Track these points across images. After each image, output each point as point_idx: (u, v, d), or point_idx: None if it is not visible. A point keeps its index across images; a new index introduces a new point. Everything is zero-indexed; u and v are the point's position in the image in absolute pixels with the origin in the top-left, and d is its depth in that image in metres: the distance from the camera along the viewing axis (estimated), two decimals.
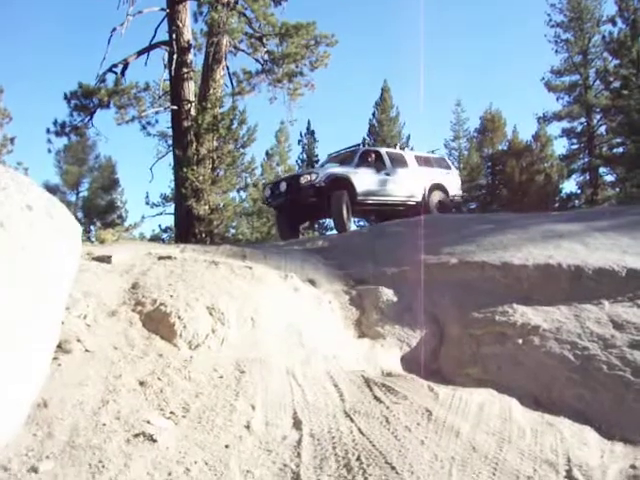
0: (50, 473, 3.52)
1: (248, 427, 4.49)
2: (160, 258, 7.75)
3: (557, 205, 31.95)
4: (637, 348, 5.96)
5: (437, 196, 15.81)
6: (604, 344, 6.16)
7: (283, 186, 13.95)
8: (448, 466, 3.95)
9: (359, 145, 16.27)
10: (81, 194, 29.41)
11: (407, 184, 15.23)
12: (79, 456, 3.73)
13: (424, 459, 4.04)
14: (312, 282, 8.44)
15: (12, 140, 24.05)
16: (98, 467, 3.65)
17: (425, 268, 8.74)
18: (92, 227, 26.89)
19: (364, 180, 14.24)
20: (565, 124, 33.71)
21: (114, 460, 3.74)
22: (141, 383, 4.87)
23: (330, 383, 5.50)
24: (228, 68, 18.64)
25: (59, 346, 4.85)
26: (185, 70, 17.34)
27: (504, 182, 34.28)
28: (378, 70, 69.89)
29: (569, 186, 40.17)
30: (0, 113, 24.29)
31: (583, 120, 33.64)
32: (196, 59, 18.35)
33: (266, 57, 18.72)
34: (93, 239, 17.47)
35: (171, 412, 4.53)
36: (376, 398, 5.16)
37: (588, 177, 33.28)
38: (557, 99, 33.60)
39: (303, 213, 15.18)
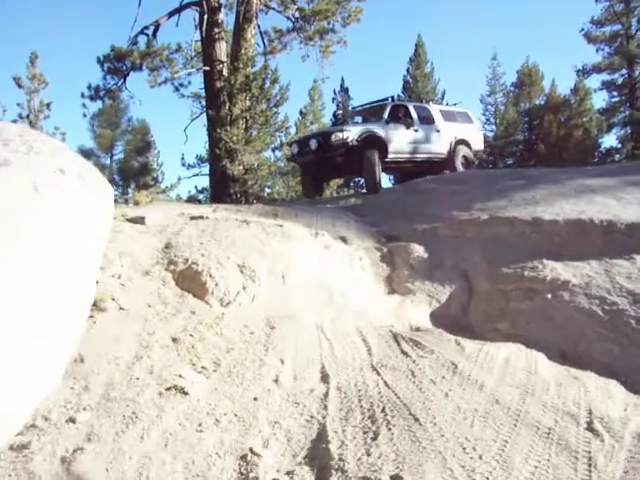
0: (87, 423, 3.70)
1: (277, 381, 4.63)
2: (192, 218, 7.88)
3: (596, 160, 31.31)
4: None
5: (462, 151, 15.50)
6: (633, 299, 6.15)
7: (314, 143, 13.25)
8: (471, 418, 4.04)
9: (387, 99, 15.31)
10: (115, 157, 29.74)
11: (434, 140, 14.89)
12: (114, 408, 3.91)
13: (447, 411, 4.13)
14: (343, 239, 8.52)
15: (48, 105, 24.25)
16: (132, 418, 3.83)
17: (456, 224, 8.80)
18: (129, 189, 27.18)
19: (395, 138, 13.79)
20: (605, 76, 32.76)
21: (147, 412, 3.91)
22: (174, 339, 5.02)
23: (359, 338, 5.61)
24: (259, 27, 18.48)
25: (94, 304, 5.00)
26: (216, 30, 17.23)
27: (542, 137, 33.56)
28: (412, 25, 68.46)
29: (609, 140, 39.39)
30: (36, 79, 24.45)
31: (624, 72, 32.63)
32: (227, 19, 18.20)
33: (297, 15, 18.50)
34: (130, 201, 17.69)
35: (202, 367, 4.69)
36: (403, 352, 5.26)
37: (629, 131, 32.44)
38: (597, 50, 32.60)
39: (331, 171, 14.82)
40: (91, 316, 4.86)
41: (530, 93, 35.72)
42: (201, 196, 25.60)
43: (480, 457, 3.55)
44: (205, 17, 16.95)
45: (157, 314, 5.42)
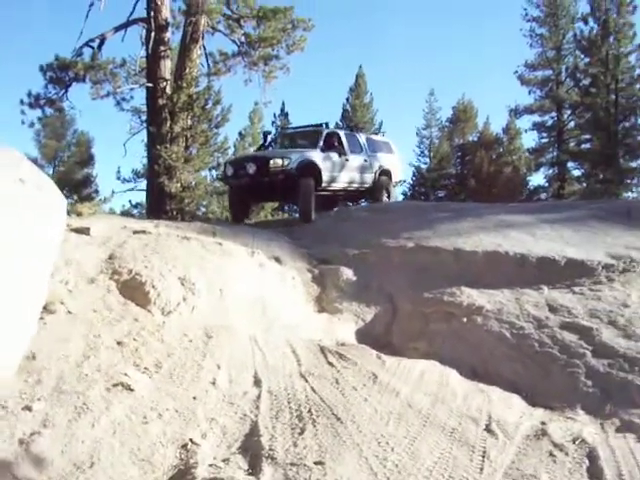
0: (42, 412, 4.09)
1: (214, 383, 5.08)
2: (135, 232, 8.24)
3: (523, 197, 32.61)
4: (566, 329, 6.65)
5: (384, 182, 15.78)
6: (538, 324, 6.84)
7: (252, 167, 13.05)
8: (386, 418, 4.59)
9: (321, 125, 15.19)
10: (58, 168, 29.68)
11: (363, 170, 15.02)
12: (66, 399, 4.30)
13: (366, 413, 4.67)
14: (277, 259, 9.00)
15: None
16: (83, 409, 4.23)
17: (384, 251, 9.41)
18: (67, 200, 27.10)
19: (329, 166, 13.81)
20: (536, 118, 34.09)
21: (97, 404, 4.32)
22: (118, 342, 5.42)
23: (289, 349, 6.10)
24: (205, 48, 18.74)
25: (45, 307, 5.36)
26: (162, 48, 17.37)
27: (473, 172, 34.73)
28: (354, 56, 70.03)
29: (537, 179, 41.23)
30: None
31: (554, 114, 34.10)
32: (174, 37, 18.47)
33: (243, 39, 18.89)
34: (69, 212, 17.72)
35: (145, 368, 5.10)
36: (329, 363, 5.78)
37: (556, 171, 33.92)
38: (529, 92, 33.89)
39: (264, 196, 15.01)
40: (42, 318, 5.21)
41: (464, 129, 37.06)
42: (135, 211, 25.54)
43: (392, 449, 4.10)
44: (152, 34, 17.14)
45: (103, 319, 5.79)
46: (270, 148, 15.98)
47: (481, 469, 3.94)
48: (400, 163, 17.51)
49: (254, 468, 3.89)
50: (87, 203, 17.00)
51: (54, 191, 5.85)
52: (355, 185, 14.89)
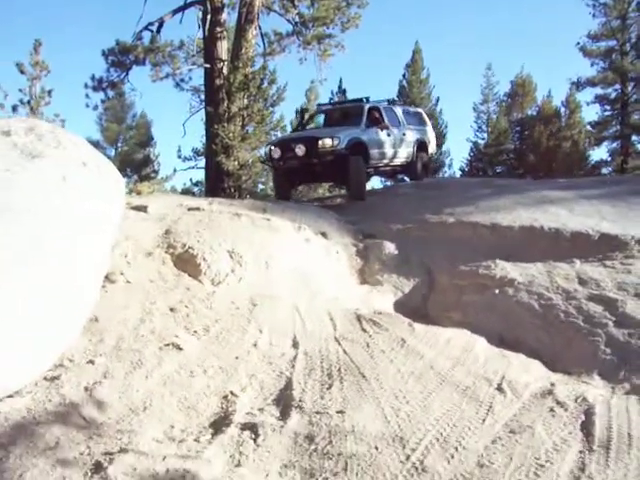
0: (103, 365, 4.73)
1: (255, 345, 5.65)
2: (190, 209, 8.87)
3: (582, 172, 32.11)
4: (592, 300, 6.96)
5: (421, 156, 15.64)
6: (566, 296, 7.17)
7: (300, 149, 12.67)
8: (407, 377, 5.08)
9: (362, 100, 14.89)
10: (119, 149, 31.13)
11: (403, 144, 14.73)
12: (123, 356, 4.94)
13: (389, 372, 5.17)
14: (324, 234, 9.50)
15: (50, 92, 24.73)
16: (138, 363, 4.85)
17: (425, 226, 9.82)
18: (128, 180, 28.23)
19: (374, 143, 13.53)
20: (599, 90, 33.27)
21: (150, 360, 4.94)
22: (171, 309, 6.05)
23: (327, 317, 6.62)
24: (260, 28, 19.16)
25: (106, 277, 6.00)
26: (218, 29, 17.86)
27: (531, 147, 34.39)
28: (411, 31, 69.47)
29: (600, 153, 40.31)
30: (39, 66, 24.84)
31: (617, 87, 33.13)
32: (230, 18, 18.96)
33: (297, 19, 19.25)
34: (132, 192, 18.57)
35: (195, 331, 5.71)
36: (363, 329, 6.29)
37: (619, 145, 33.14)
38: (592, 64, 32.90)
39: (312, 176, 14.62)
40: (104, 286, 5.85)
41: (522, 103, 36.45)
42: (196, 189, 26.32)
43: (407, 402, 4.59)
44: (208, 16, 17.64)
45: (158, 288, 6.43)
46: (308, 126, 15.86)
47: (484, 420, 4.40)
48: (434, 135, 17.31)
49: (284, 416, 4.45)
50: (146, 182, 17.80)
51: (114, 173, 6.47)
52: (397, 160, 14.71)
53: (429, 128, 16.74)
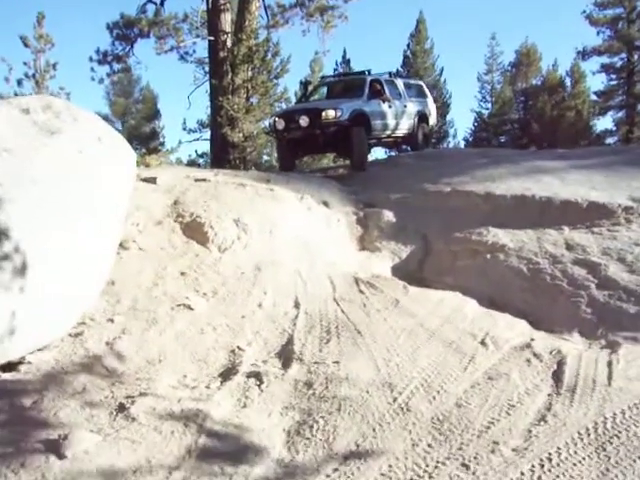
0: (121, 323, 5.22)
1: (260, 305, 6.12)
2: (197, 180, 9.29)
3: (586, 142, 32.16)
4: (577, 264, 7.40)
5: (422, 127, 15.94)
6: (553, 260, 7.60)
7: (304, 120, 12.86)
8: (399, 333, 5.55)
9: (363, 73, 15.10)
10: (127, 123, 31.74)
11: (404, 116, 14.93)
12: (139, 315, 5.43)
13: (383, 329, 5.64)
14: (326, 204, 9.91)
15: (54, 66, 24.75)
16: (153, 322, 5.35)
17: (423, 195, 10.22)
18: (136, 153, 28.69)
19: (376, 114, 13.76)
20: (605, 59, 32.97)
21: (164, 318, 5.43)
22: (182, 273, 6.52)
23: (327, 281, 7.08)
24: (264, 0, 19.37)
25: (120, 245, 6.46)
26: (222, 2, 17.88)
27: (536, 117, 34.45)
28: (414, 2, 68.93)
29: (605, 123, 40.23)
30: (43, 39, 24.86)
31: (623, 55, 32.86)
32: None
33: None
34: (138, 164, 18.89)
35: (204, 293, 6.18)
36: (360, 291, 6.76)
37: (625, 114, 33.05)
38: (598, 33, 32.59)
39: (315, 147, 14.66)
40: (118, 253, 6.31)
41: (527, 73, 36.38)
42: (201, 160, 26.56)
43: (397, 354, 5.07)
44: None
45: (168, 254, 6.90)
46: (311, 98, 15.94)
47: (465, 369, 4.86)
48: (434, 107, 17.47)
49: (285, 366, 4.93)
50: (154, 155, 18.07)
51: (125, 147, 6.91)
52: (398, 132, 14.98)
53: (430, 100, 16.96)
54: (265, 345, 5.38)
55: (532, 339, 5.64)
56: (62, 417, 3.88)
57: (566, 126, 32.62)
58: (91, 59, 18.91)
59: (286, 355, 5.14)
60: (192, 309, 5.73)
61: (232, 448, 3.73)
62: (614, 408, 4.18)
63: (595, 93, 33.95)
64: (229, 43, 17.82)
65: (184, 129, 21.87)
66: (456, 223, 9.03)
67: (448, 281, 7.88)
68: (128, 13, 18.29)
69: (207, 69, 19.30)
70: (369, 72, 14.99)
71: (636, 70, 32.27)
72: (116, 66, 20.19)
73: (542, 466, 3.53)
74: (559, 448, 3.71)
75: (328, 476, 3.50)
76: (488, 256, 8.09)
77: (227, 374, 4.78)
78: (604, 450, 3.67)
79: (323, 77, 18.28)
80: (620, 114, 33.15)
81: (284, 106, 19.75)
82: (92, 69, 18.99)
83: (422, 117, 15.86)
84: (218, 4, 17.82)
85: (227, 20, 18.16)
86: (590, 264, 7.34)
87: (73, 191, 5.46)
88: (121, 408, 4.06)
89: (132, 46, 18.86)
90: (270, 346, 5.37)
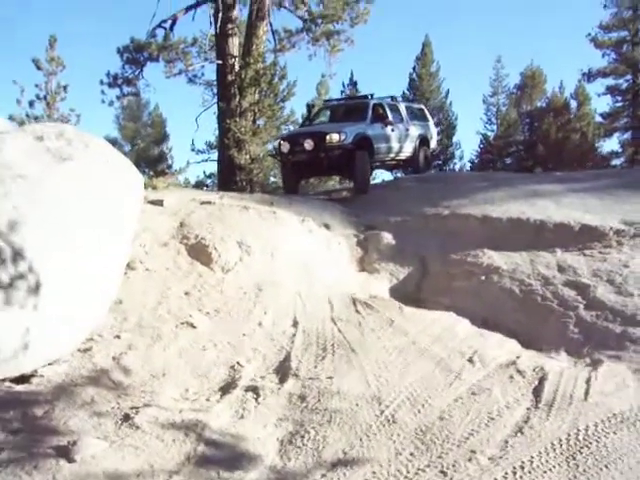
0: (128, 339, 5.53)
1: (260, 324, 6.42)
2: (202, 203, 9.62)
3: (591, 164, 32.33)
4: (568, 285, 7.67)
5: (423, 150, 16.17)
6: (545, 282, 7.88)
7: (309, 143, 13.06)
8: (391, 350, 5.84)
9: (367, 97, 15.40)
10: (136, 146, 32.45)
11: (407, 139, 15.20)
12: (145, 332, 5.74)
13: (376, 347, 5.93)
14: (327, 226, 10.22)
15: (65, 88, 25.22)
16: (157, 338, 5.66)
17: (422, 218, 10.53)
18: (144, 175, 29.25)
19: (379, 138, 13.97)
20: (610, 81, 33.27)
21: (168, 335, 5.74)
22: (186, 293, 6.83)
23: (326, 301, 7.38)
24: (271, 25, 19.47)
25: (128, 265, 6.77)
26: (230, 26, 18.25)
27: (541, 139, 34.71)
28: (421, 25, 69.82)
29: (611, 144, 40.46)
30: (54, 61, 25.24)
31: (629, 77, 33.10)
32: (241, 14, 19.40)
33: (306, 16, 19.69)
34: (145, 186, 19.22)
35: (206, 312, 6.49)
36: (357, 311, 7.05)
37: (631, 136, 33.21)
38: (603, 55, 32.87)
39: (319, 170, 15.00)
40: (126, 273, 6.62)
41: (532, 95, 36.72)
42: (209, 181, 26.92)
43: (388, 371, 5.37)
44: (220, 13, 18.13)
45: (173, 275, 7.21)
46: (315, 121, 16.02)
47: (450, 384, 5.15)
48: (435, 130, 17.72)
49: (281, 381, 5.23)
50: (161, 178, 18.46)
51: (133, 171, 7.24)
52: (401, 155, 15.26)
53: (431, 123, 17.29)
54: (264, 361, 5.68)
55: (518, 357, 5.92)
56: (71, 425, 4.18)
57: (571, 148, 32.85)
58: (102, 82, 19.23)
59: (283, 371, 5.44)
60: (195, 327, 6.03)
61: (228, 455, 4.03)
62: (587, 421, 4.47)
63: (601, 115, 34.14)
64: (237, 67, 18.10)
65: (192, 150, 22.19)
66: (453, 245, 9.32)
67: (444, 302, 8.15)
68: (138, 37, 18.66)
69: (215, 90, 19.61)
70: (372, 96, 15.29)
71: None
72: (126, 89, 20.53)
73: (515, 473, 3.82)
74: (532, 457, 4.00)
75: None
76: (483, 277, 8.37)
77: (227, 388, 5.08)
78: (574, 459, 3.97)
79: (326, 101, 18.65)
80: (626, 135, 33.30)
81: (291, 129, 20.11)
82: (102, 92, 19.31)
83: (423, 140, 16.11)
84: (226, 28, 18.14)
85: (235, 44, 18.47)
86: (580, 285, 7.61)
87: (83, 214, 5.78)
88: (126, 418, 4.35)
89: (142, 69, 19.19)
90: (268, 362, 5.66)
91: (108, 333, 5.62)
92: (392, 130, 14.56)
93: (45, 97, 25.16)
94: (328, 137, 12.97)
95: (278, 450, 4.18)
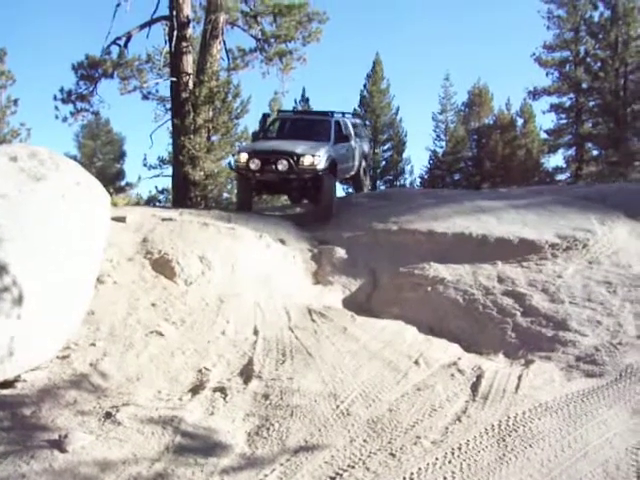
0: (102, 347, 5.98)
1: (223, 333, 6.92)
2: (163, 219, 10.07)
3: (537, 179, 33.41)
4: (507, 295, 8.34)
5: (365, 167, 16.26)
6: (486, 292, 8.53)
7: (283, 164, 12.28)
8: (344, 354, 6.41)
9: (327, 114, 14.67)
10: (95, 164, 32.96)
11: (354, 157, 14.91)
12: (117, 340, 6.19)
13: (330, 351, 6.49)
14: (282, 241, 10.74)
15: (16, 102, 25.12)
16: (130, 346, 6.12)
17: (372, 233, 11.14)
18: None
19: (341, 160, 13.57)
20: (554, 99, 34.16)
21: (139, 343, 6.20)
22: (152, 304, 7.29)
23: (283, 311, 7.89)
24: (225, 43, 19.59)
25: (97, 279, 7.19)
26: (184, 44, 18.35)
27: (488, 155, 35.75)
28: (371, 44, 71.45)
29: (557, 160, 41.94)
30: (4, 75, 25.11)
31: (572, 96, 33.99)
32: (195, 31, 19.65)
33: (260, 35, 20.11)
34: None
35: (173, 322, 6.96)
36: (312, 320, 7.59)
37: (574, 152, 34.33)
38: (547, 74, 33.62)
39: (282, 191, 14.61)
40: (96, 286, 7.04)
41: (480, 113, 37.87)
42: (161, 196, 27.03)
43: (342, 372, 5.93)
44: (174, 32, 18.40)
45: (140, 288, 7.66)
46: (268, 133, 15.29)
47: (398, 382, 5.75)
48: (369, 144, 17.76)
49: (246, 382, 5.75)
50: (121, 194, 18.76)
51: (100, 189, 7.68)
52: (350, 173, 15.05)
53: (367, 139, 17.54)
54: (228, 366, 6.17)
55: (459, 359, 6.55)
56: (59, 423, 4.63)
57: (517, 164, 34.03)
58: (55, 98, 19.23)
59: (247, 374, 5.95)
60: (163, 335, 6.50)
61: (203, 445, 4.53)
62: (517, 410, 5.14)
63: (546, 131, 35.07)
64: (191, 84, 18.30)
65: (144, 165, 22.18)
66: (402, 259, 9.93)
67: (393, 311, 8.70)
68: (93, 54, 18.75)
69: (169, 106, 19.71)
70: (332, 113, 14.71)
71: (584, 110, 33.69)
72: (80, 105, 20.56)
73: (453, 453, 4.44)
74: (469, 440, 4.62)
75: (282, 464, 4.33)
76: (429, 288, 8.98)
77: (196, 389, 5.57)
78: (504, 441, 4.62)
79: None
80: (570, 151, 34.37)
81: (243, 144, 20.33)
82: (56, 107, 19.31)
83: (365, 157, 16.26)
84: (181, 46, 18.26)
85: (189, 62, 18.60)
86: (517, 295, 8.28)
87: (58, 230, 6.22)
88: (108, 415, 4.82)
89: (96, 86, 19.28)
90: (233, 366, 6.16)
91: (84, 341, 6.05)
92: (347, 150, 14.31)
93: None
94: (305, 159, 12.37)
95: (246, 440, 4.70)
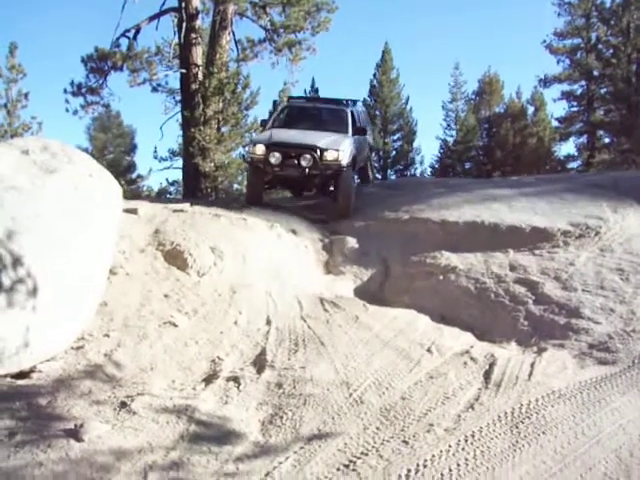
0: (116, 338, 6.02)
1: (236, 323, 6.94)
2: (174, 211, 10.11)
3: (548, 168, 33.27)
4: (519, 283, 8.33)
5: (371, 157, 16.38)
6: (498, 280, 8.53)
7: (307, 159, 11.58)
8: (357, 343, 6.43)
9: (343, 102, 14.09)
10: (106, 157, 33.17)
11: (366, 149, 14.52)
12: (131, 331, 6.23)
13: (343, 340, 6.51)
14: (294, 232, 10.77)
15: (26, 95, 25.23)
16: (143, 336, 6.16)
17: (384, 222, 11.15)
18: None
19: (359, 152, 13.02)
20: (565, 87, 33.87)
21: (152, 334, 6.24)
22: (165, 295, 7.32)
23: (295, 301, 7.92)
24: (234, 34, 19.66)
25: (110, 270, 7.24)
26: (193, 35, 18.39)
27: (499, 144, 35.61)
28: (380, 33, 71.18)
29: (568, 148, 41.77)
30: (15, 69, 25.24)
31: (583, 83, 33.75)
32: (204, 22, 19.63)
33: (269, 26, 20.08)
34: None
35: (186, 312, 6.99)
36: (324, 309, 7.61)
37: (586, 139, 34.10)
38: (558, 62, 33.47)
39: (302, 186, 13.21)
40: (108, 277, 7.09)
41: (490, 101, 37.71)
42: (172, 188, 27.13)
43: (354, 360, 5.95)
44: (183, 23, 18.43)
45: (152, 279, 7.69)
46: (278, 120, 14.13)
47: (411, 370, 5.77)
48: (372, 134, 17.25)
49: (259, 372, 5.79)
50: (132, 186, 18.82)
51: (113, 182, 7.71)
52: (359, 166, 13.99)
53: (371, 128, 17.15)
54: (241, 356, 6.21)
55: (472, 347, 6.56)
56: (74, 413, 4.67)
57: (528, 152, 33.83)
58: (65, 91, 19.32)
59: (260, 363, 5.98)
60: (176, 326, 6.53)
61: (217, 434, 4.58)
62: (530, 397, 5.15)
63: (557, 119, 34.92)
64: (200, 76, 18.33)
65: (155, 157, 22.31)
66: (413, 248, 9.94)
67: (405, 300, 8.72)
68: (102, 47, 18.80)
69: (178, 98, 19.77)
70: (347, 102, 14.16)
71: (595, 97, 33.46)
72: (90, 98, 20.63)
73: (466, 440, 4.46)
74: (481, 427, 4.65)
75: (295, 452, 4.37)
76: (441, 277, 8.99)
77: (210, 379, 5.61)
78: (517, 428, 4.64)
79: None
80: (582, 139, 34.16)
81: (254, 136, 20.20)
82: (67, 101, 19.40)
83: (370, 148, 15.90)
84: (190, 38, 18.31)
85: (198, 53, 18.65)
86: (529, 282, 8.27)
87: (71, 222, 6.25)
88: (123, 405, 4.87)
89: (106, 79, 19.33)
90: (246, 356, 6.20)
91: (97, 332, 6.10)
92: (361, 142, 13.61)
93: (6, 105, 25.14)
94: (327, 154, 11.72)
95: (260, 429, 4.74)
